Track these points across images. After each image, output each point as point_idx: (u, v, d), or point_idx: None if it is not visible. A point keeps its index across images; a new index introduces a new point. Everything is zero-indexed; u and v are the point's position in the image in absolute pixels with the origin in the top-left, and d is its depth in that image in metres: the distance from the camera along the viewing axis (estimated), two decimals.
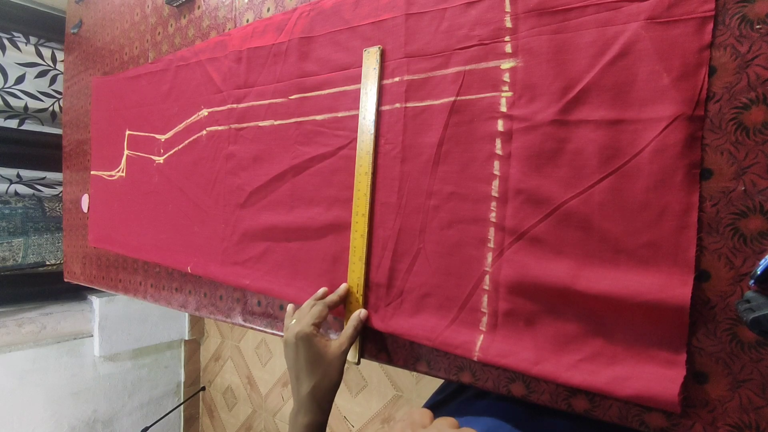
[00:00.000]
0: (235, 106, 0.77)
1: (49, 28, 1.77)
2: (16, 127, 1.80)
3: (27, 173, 1.84)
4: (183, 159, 0.89)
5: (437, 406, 0.57)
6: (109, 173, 1.15)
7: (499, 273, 0.47)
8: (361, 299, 0.58)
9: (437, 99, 0.52)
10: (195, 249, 0.85)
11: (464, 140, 0.50)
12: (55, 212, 1.90)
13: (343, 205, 0.61)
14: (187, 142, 0.88)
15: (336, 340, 0.54)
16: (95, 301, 1.96)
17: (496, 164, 0.48)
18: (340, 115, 0.62)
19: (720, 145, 0.37)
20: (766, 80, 0.35)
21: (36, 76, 1.80)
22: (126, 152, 1.08)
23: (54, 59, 1.85)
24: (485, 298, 0.48)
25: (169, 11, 0.96)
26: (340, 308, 0.60)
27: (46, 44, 1.83)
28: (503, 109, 0.47)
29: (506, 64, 0.47)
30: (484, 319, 0.48)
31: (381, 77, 0.57)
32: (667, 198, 0.38)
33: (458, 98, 0.51)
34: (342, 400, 1.78)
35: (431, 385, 1.52)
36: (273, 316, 0.73)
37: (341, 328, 0.60)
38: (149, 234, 0.99)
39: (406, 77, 0.55)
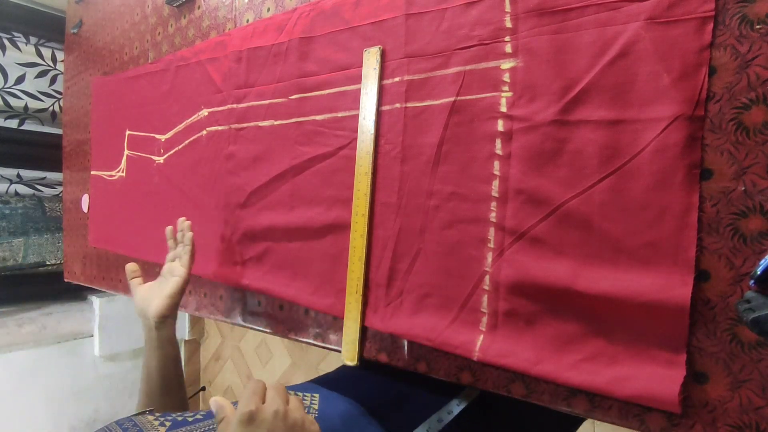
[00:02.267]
0: (235, 106, 0.77)
1: (49, 28, 1.77)
2: (16, 127, 1.80)
3: (27, 173, 1.84)
4: (183, 159, 0.89)
5: (320, 380, 0.62)
6: (109, 173, 1.15)
7: (499, 273, 0.47)
8: (360, 299, 0.58)
9: (437, 99, 0.52)
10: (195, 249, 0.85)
11: (464, 140, 0.50)
12: (55, 212, 1.90)
13: (343, 205, 0.61)
14: (187, 142, 0.88)
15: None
16: (95, 301, 1.96)
17: (496, 164, 0.48)
18: (340, 115, 0.62)
19: (720, 145, 0.37)
20: (766, 80, 0.35)
21: (36, 76, 1.80)
22: (126, 152, 1.08)
23: (54, 59, 1.85)
24: (485, 298, 0.48)
25: (169, 11, 0.96)
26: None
27: (46, 44, 1.83)
28: (503, 109, 0.47)
29: (506, 64, 0.47)
30: (484, 319, 0.48)
31: (381, 77, 0.57)
32: (667, 198, 0.38)
33: (458, 98, 0.51)
34: None
35: None
36: (273, 316, 0.73)
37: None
38: (149, 234, 0.99)
39: (406, 77, 0.55)
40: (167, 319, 0.63)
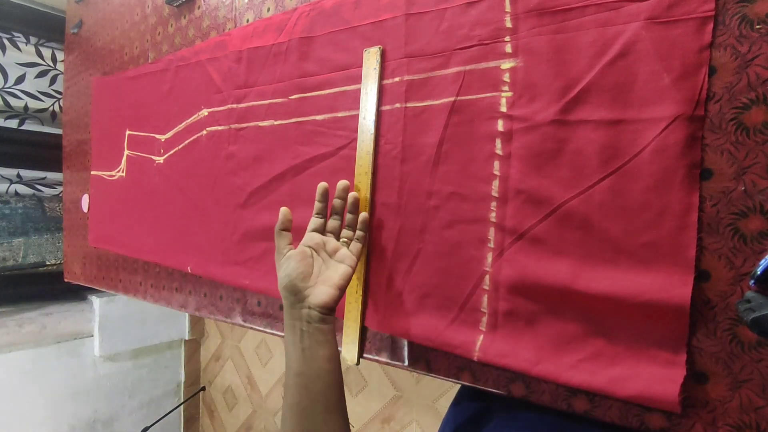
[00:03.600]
0: (235, 106, 0.77)
1: (49, 28, 1.77)
2: (16, 127, 1.80)
3: (27, 173, 1.84)
4: (183, 159, 0.89)
5: (481, 416, 0.53)
6: (109, 173, 1.15)
7: (499, 273, 0.47)
8: (361, 299, 0.58)
9: (437, 99, 0.52)
10: (195, 249, 0.85)
11: (464, 140, 0.50)
12: (55, 212, 1.90)
13: None
14: (187, 142, 0.88)
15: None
16: (95, 301, 1.96)
17: (496, 164, 0.48)
18: (340, 115, 0.62)
19: (720, 145, 0.37)
20: (766, 80, 0.35)
21: (36, 76, 1.80)
22: (126, 152, 1.08)
23: (54, 59, 1.84)
24: (485, 298, 0.48)
25: (169, 11, 0.96)
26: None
27: (46, 44, 1.83)
28: (503, 109, 0.47)
29: (506, 64, 0.47)
30: (484, 319, 0.48)
31: (381, 77, 0.57)
32: (667, 198, 0.38)
33: (458, 98, 0.51)
34: None
35: (431, 385, 1.52)
36: (273, 316, 0.73)
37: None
38: (149, 234, 0.99)
39: (406, 77, 0.55)
40: (333, 313, 0.51)
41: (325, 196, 0.55)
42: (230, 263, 0.77)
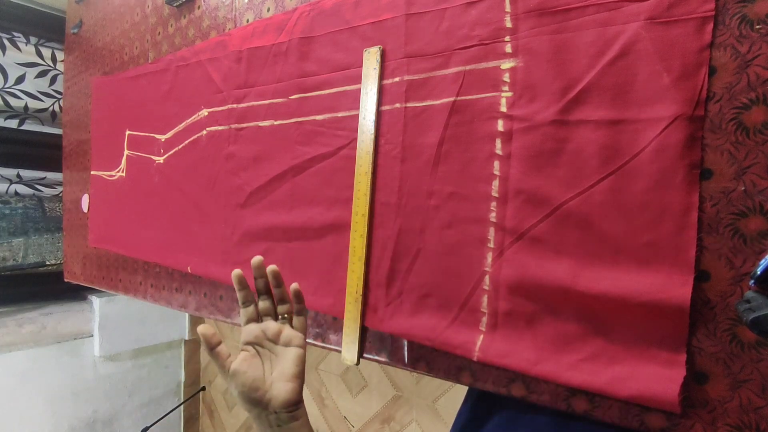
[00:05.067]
0: (235, 106, 0.77)
1: (49, 28, 1.77)
2: (16, 127, 1.80)
3: (27, 173, 1.84)
4: (183, 159, 0.89)
5: (481, 415, 0.52)
6: (109, 173, 1.15)
7: (499, 273, 0.47)
8: (360, 299, 0.58)
9: (437, 99, 0.52)
10: (195, 249, 0.85)
11: (464, 140, 0.50)
12: (55, 212, 1.90)
13: (343, 205, 0.61)
14: (187, 142, 0.88)
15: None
16: (95, 301, 1.96)
17: (496, 164, 0.48)
18: (340, 115, 0.62)
19: (720, 145, 0.37)
20: (766, 80, 0.35)
21: (36, 76, 1.80)
22: (126, 152, 1.08)
23: (54, 59, 1.84)
24: (485, 298, 0.48)
25: (169, 11, 0.96)
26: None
27: (46, 44, 1.83)
28: (503, 109, 0.47)
29: (506, 64, 0.47)
30: (484, 319, 0.48)
31: (381, 77, 0.57)
32: (667, 198, 0.38)
33: (458, 98, 0.51)
34: (342, 400, 1.78)
35: (431, 385, 1.52)
36: None
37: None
38: (149, 234, 0.99)
39: (406, 77, 0.55)
40: (300, 405, 0.47)
41: (243, 282, 0.49)
42: (230, 263, 0.77)
